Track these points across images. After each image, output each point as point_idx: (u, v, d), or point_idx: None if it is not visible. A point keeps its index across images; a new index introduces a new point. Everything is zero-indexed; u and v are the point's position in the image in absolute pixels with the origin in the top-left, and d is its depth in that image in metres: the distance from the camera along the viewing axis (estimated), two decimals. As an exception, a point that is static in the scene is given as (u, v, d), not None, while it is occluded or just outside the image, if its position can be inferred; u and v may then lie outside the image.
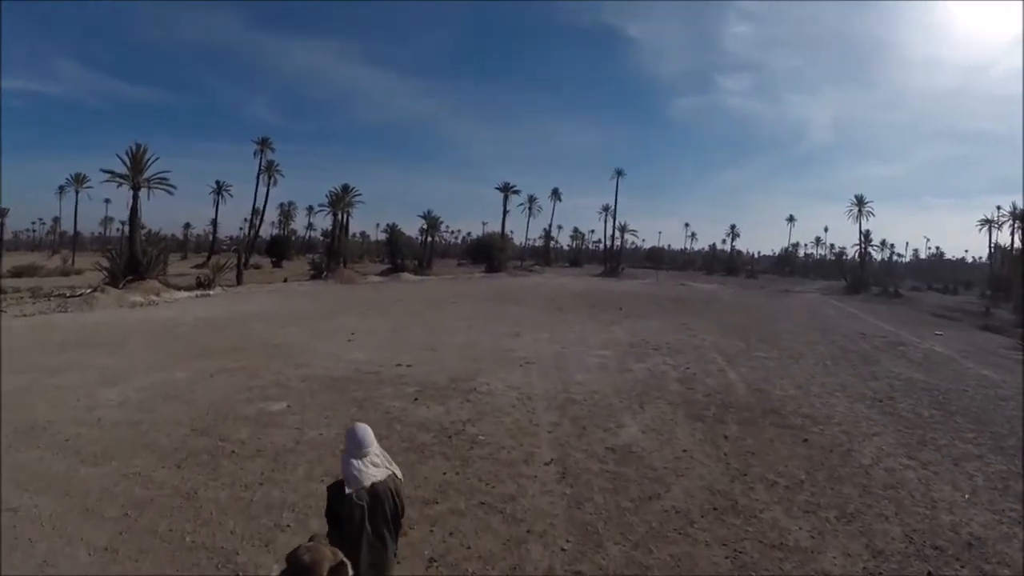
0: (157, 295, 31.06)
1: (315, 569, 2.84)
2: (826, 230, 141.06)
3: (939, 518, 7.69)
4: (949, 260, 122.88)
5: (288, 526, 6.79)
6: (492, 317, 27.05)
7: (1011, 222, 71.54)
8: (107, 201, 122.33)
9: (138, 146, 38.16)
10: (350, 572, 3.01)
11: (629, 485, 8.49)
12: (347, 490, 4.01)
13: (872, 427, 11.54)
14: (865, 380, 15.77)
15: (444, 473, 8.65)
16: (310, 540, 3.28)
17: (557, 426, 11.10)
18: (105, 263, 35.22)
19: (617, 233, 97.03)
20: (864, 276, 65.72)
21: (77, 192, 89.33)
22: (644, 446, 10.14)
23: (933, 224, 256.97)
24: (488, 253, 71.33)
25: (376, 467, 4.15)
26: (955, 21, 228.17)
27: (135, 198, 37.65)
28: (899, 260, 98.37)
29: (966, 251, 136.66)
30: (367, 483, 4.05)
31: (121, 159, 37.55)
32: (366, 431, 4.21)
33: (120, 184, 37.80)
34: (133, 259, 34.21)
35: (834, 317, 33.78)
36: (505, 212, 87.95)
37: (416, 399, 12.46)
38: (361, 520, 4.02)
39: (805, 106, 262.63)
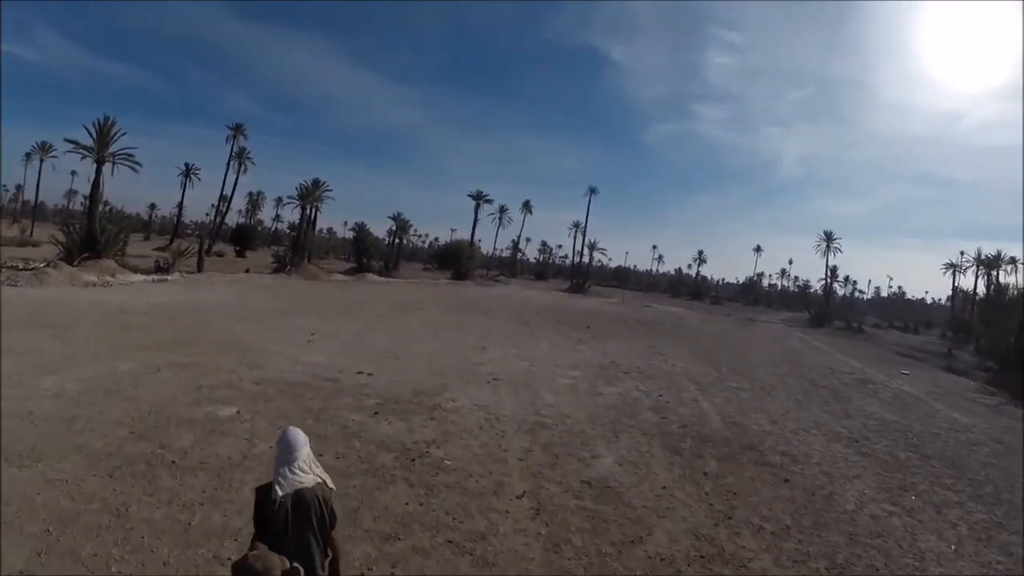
0: (112, 276, 29.67)
1: None
2: (790, 262, 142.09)
3: (928, 570, 7.51)
4: (910, 300, 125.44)
5: (228, 558, 5.92)
6: (459, 327, 26.26)
7: (975, 267, 74.17)
8: (73, 173, 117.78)
9: (106, 119, 36.87)
10: None
11: (609, 526, 7.85)
12: (273, 495, 3.88)
13: (851, 469, 11.26)
14: (839, 418, 15.45)
15: (407, 503, 7.86)
16: (251, 548, 3.20)
17: (528, 452, 10.44)
18: (61, 238, 33.65)
19: (586, 250, 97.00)
20: (828, 310, 66.75)
21: (41, 161, 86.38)
22: (622, 481, 9.52)
23: (895, 263, 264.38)
24: (456, 260, 70.30)
25: (304, 473, 4.01)
26: (930, 70, 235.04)
27: (98, 172, 36.36)
28: (860, 296, 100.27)
29: (926, 292, 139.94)
30: (292, 489, 3.91)
31: (88, 131, 36.20)
32: (297, 435, 4.07)
33: (84, 156, 36.48)
34: (91, 236, 32.72)
35: (801, 350, 33.67)
36: (476, 220, 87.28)
37: (377, 413, 11.66)
38: (285, 526, 3.88)
39: (778, 139, 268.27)
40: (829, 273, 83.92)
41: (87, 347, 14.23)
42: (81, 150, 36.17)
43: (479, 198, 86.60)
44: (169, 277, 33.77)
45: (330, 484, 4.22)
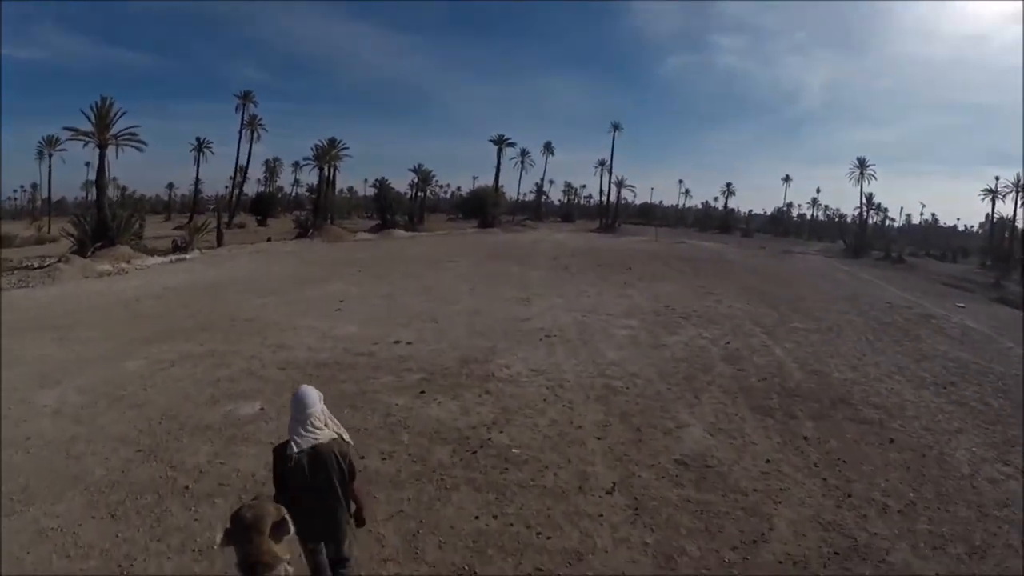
0: (127, 262, 28.12)
1: (257, 525, 2.81)
2: (818, 191, 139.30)
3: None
4: (942, 227, 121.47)
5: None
6: (496, 278, 24.51)
7: (1014, 193, 71.28)
8: (87, 164, 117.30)
9: (103, 100, 34.88)
10: (291, 528, 2.95)
11: (723, 522, 6.35)
12: (289, 452, 3.97)
13: (951, 422, 9.86)
14: (917, 360, 13.79)
15: (476, 517, 6.29)
16: (254, 499, 3.25)
17: (606, 428, 8.87)
18: (72, 229, 31.98)
19: (613, 188, 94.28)
20: (865, 239, 63.82)
21: (51, 156, 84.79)
22: (719, 456, 8.04)
23: (923, 191, 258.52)
24: (481, 207, 68.17)
25: (318, 429, 4.08)
26: None
27: (102, 157, 34.46)
28: (891, 224, 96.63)
29: (957, 219, 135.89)
30: (308, 445, 4.00)
31: (86, 115, 34.40)
32: (309, 393, 4.14)
33: (86, 143, 34.69)
34: (101, 224, 31.01)
35: (851, 283, 31.43)
36: (499, 165, 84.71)
37: (423, 392, 10.07)
38: (303, 483, 3.99)
39: (798, 69, 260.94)
40: (865, 201, 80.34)
41: (92, 347, 12.71)
42: (81, 136, 34.40)
43: (501, 142, 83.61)
44: (188, 256, 32.21)
45: (347, 438, 4.28)
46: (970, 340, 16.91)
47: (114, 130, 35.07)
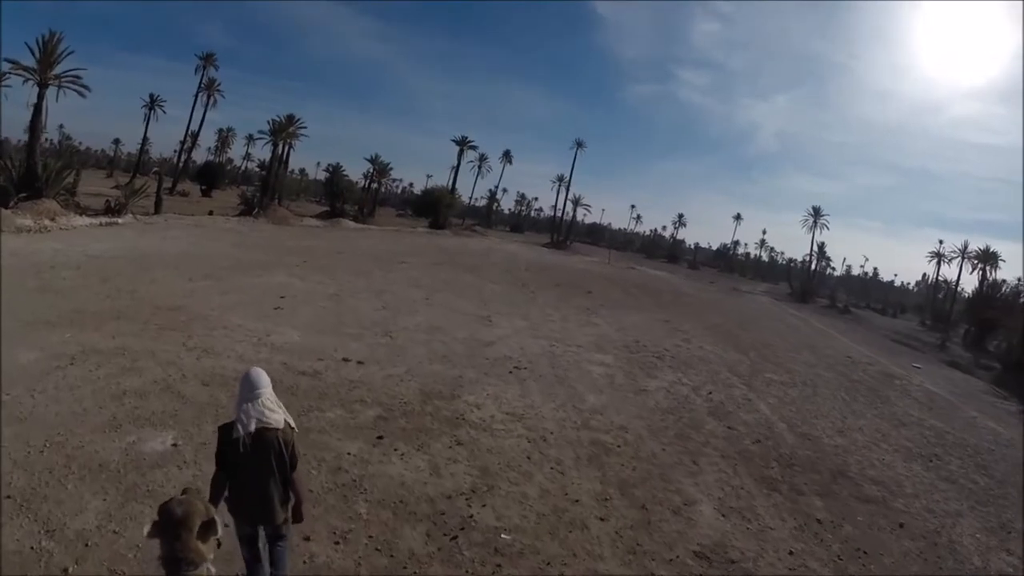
0: (52, 220, 25.09)
1: (186, 522, 2.82)
2: (764, 232, 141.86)
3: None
4: (880, 281, 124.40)
5: None
6: (452, 288, 22.65)
7: (960, 259, 72.81)
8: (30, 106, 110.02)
9: (51, 34, 31.64)
10: (219, 530, 2.95)
11: None
12: (235, 433, 3.95)
13: (947, 502, 9.41)
14: (896, 427, 13.30)
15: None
16: (183, 493, 3.17)
17: (606, 503, 7.35)
18: None
19: (569, 205, 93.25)
20: (811, 287, 65.06)
21: (-4, 91, 79.21)
22: (740, 547, 6.82)
23: (861, 244, 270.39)
24: (434, 208, 66.11)
25: (271, 411, 4.06)
26: (916, 60, 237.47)
27: (40, 97, 30.99)
28: (832, 273, 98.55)
29: (895, 275, 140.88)
30: (253, 428, 3.95)
31: (30, 49, 31.19)
32: (260, 375, 4.15)
33: (27, 80, 31.28)
34: (30, 172, 27.71)
35: (807, 331, 31.14)
36: (458, 167, 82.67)
37: (381, 437, 8.18)
38: (246, 465, 3.97)
39: (757, 112, 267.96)
40: (816, 249, 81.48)
41: None
42: (22, 71, 31.12)
43: (463, 144, 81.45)
44: (120, 220, 29.24)
45: (292, 425, 4.23)
46: (937, 406, 16.50)
47: (58, 70, 31.86)
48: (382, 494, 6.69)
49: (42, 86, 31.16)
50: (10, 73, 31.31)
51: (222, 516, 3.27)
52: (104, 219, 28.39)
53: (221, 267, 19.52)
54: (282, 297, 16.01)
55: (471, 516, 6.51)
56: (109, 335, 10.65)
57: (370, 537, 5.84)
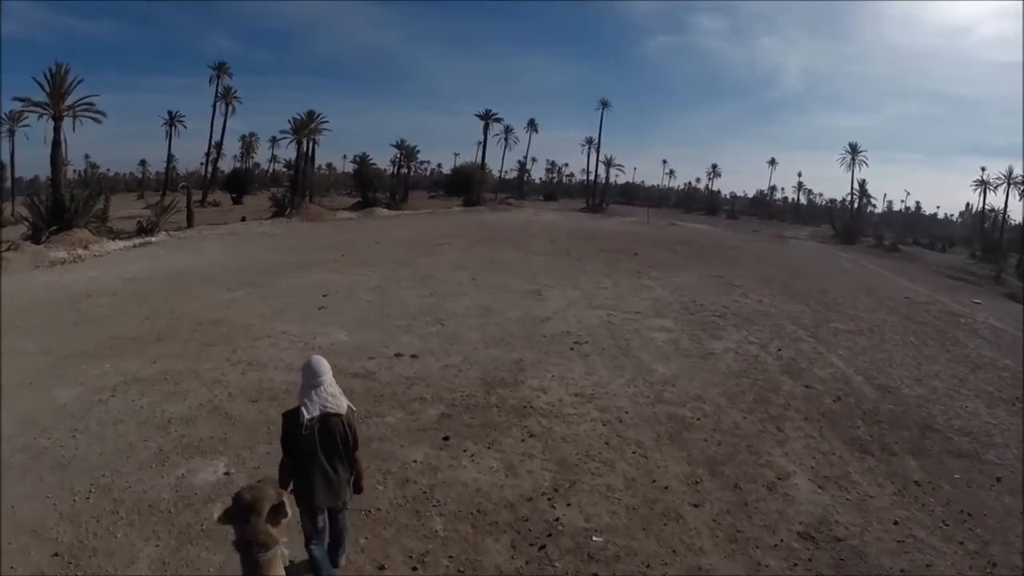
0: (85, 248, 24.71)
1: (255, 507, 2.89)
2: (800, 175, 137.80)
3: None
4: (923, 215, 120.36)
5: None
6: (497, 266, 21.92)
7: (1006, 185, 71.70)
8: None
9: (58, 66, 31.33)
10: (289, 512, 3.01)
11: None
12: (301, 419, 4.10)
13: None
14: (972, 370, 12.41)
15: None
16: (259, 481, 3.31)
17: (697, 487, 6.75)
18: (25, 212, 28.15)
19: (601, 167, 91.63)
20: (856, 226, 63.17)
21: (12, 132, 79.76)
22: (844, 521, 6.29)
23: (901, 178, 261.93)
24: (467, 185, 65.25)
25: (334, 396, 4.25)
26: None
27: (56, 130, 30.76)
28: (873, 211, 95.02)
29: (937, 207, 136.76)
30: (319, 413, 4.13)
31: (39, 84, 31.00)
32: (321, 362, 4.33)
33: (41, 115, 31.14)
34: (57, 205, 27.36)
35: (860, 274, 29.79)
36: (485, 141, 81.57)
37: (447, 438, 7.54)
38: (313, 450, 4.13)
39: (778, 52, 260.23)
40: (858, 188, 78.43)
41: (21, 365, 9.82)
42: (35, 107, 30.97)
43: (488, 117, 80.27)
44: (153, 239, 28.92)
45: (353, 407, 4.49)
46: (1006, 344, 15.62)
47: (70, 100, 31.66)
48: (457, 504, 6.06)
49: (57, 119, 30.96)
50: (24, 111, 31.22)
51: (291, 500, 3.29)
52: (137, 240, 28.12)
53: (259, 272, 19.05)
54: (324, 295, 15.46)
55: (556, 519, 5.86)
56: (150, 360, 10.15)
57: (450, 557, 5.22)
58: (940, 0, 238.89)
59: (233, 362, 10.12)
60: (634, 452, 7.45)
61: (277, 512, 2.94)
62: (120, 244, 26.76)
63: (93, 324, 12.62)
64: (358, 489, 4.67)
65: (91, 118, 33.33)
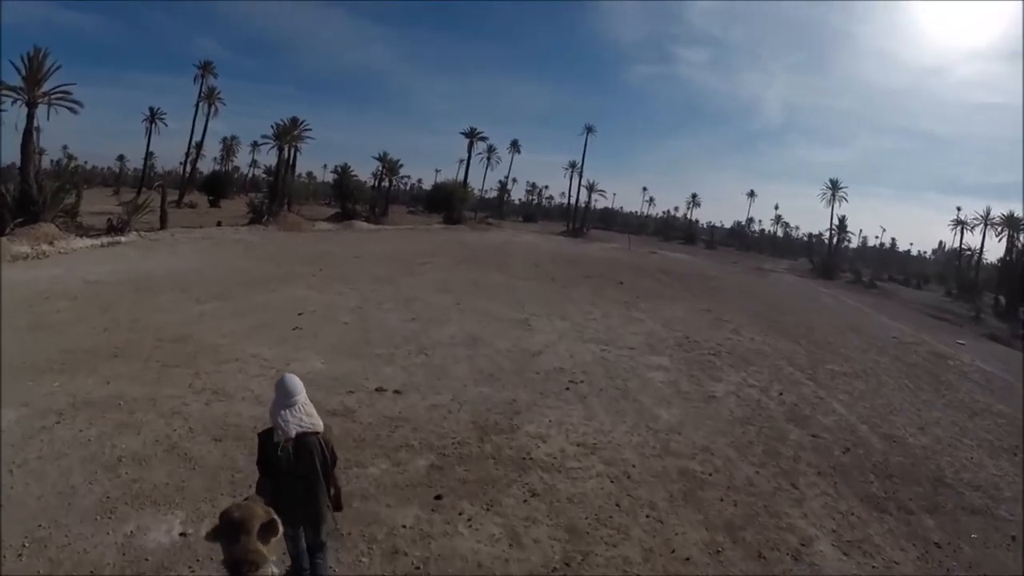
0: (50, 244, 23.40)
1: (245, 525, 2.81)
2: (776, 208, 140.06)
3: None
4: (897, 252, 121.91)
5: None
6: (481, 290, 21.07)
7: (982, 226, 72.08)
8: (37, 129, 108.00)
9: (36, 51, 30.14)
10: (280, 530, 2.94)
11: None
12: (276, 439, 4.01)
13: None
14: (970, 416, 12.41)
15: None
16: (245, 499, 3.38)
17: (719, 556, 6.09)
18: None
19: (583, 191, 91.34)
20: (834, 261, 64.70)
21: (-7, 119, 77.61)
22: None
23: (874, 211, 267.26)
24: (448, 202, 64.49)
25: (309, 416, 4.15)
26: (916, 22, 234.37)
27: (30, 117, 29.29)
28: (847, 245, 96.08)
29: (911, 244, 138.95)
30: (293, 433, 4.04)
31: (16, 67, 29.70)
32: (295, 381, 4.21)
33: (15, 100, 29.73)
34: (25, 196, 26.11)
35: (844, 311, 29.99)
36: (469, 159, 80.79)
37: (440, 496, 6.61)
38: (291, 469, 4.05)
39: (759, 84, 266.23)
40: (837, 223, 79.13)
41: None
42: (9, 92, 29.60)
43: (473, 135, 79.63)
44: (123, 238, 27.66)
45: (329, 425, 4.42)
46: (998, 388, 15.73)
47: (46, 87, 30.36)
48: (456, 591, 5.15)
49: (31, 105, 29.54)
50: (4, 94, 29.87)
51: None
52: (106, 239, 26.86)
53: (232, 283, 17.99)
54: (300, 314, 14.48)
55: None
56: (104, 380, 9.08)
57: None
58: (920, 32, 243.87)
59: (196, 389, 9.05)
60: (648, 515, 6.64)
61: (268, 530, 2.86)
62: (88, 242, 25.54)
63: (47, 331, 11.52)
64: (337, 506, 4.54)
65: (67, 107, 31.93)
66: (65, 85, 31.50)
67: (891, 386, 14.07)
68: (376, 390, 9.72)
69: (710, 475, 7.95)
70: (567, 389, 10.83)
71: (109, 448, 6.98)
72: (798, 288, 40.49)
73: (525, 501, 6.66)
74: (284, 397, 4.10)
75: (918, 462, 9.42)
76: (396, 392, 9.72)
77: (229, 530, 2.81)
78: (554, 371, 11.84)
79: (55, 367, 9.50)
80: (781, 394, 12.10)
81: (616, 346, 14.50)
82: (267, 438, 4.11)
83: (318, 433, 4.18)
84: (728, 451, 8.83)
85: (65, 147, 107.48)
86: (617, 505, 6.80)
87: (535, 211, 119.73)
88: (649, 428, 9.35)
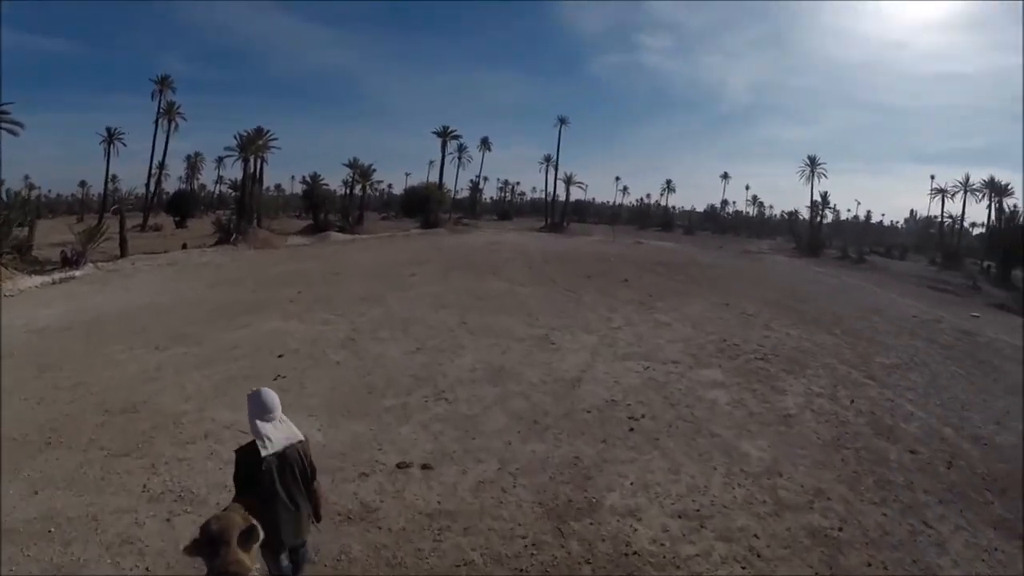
0: None
1: (224, 536, 2.83)
2: (747, 188, 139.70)
3: None
4: (872, 224, 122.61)
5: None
6: (484, 302, 18.75)
7: (962, 193, 74.28)
8: None
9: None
10: (260, 535, 2.96)
11: None
12: (263, 454, 3.79)
13: None
14: None
15: None
16: (224, 510, 3.32)
17: None
18: None
19: (560, 185, 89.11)
20: (820, 238, 64.09)
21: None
22: None
23: (845, 186, 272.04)
24: (424, 206, 62.01)
25: (290, 428, 3.97)
26: None
27: None
28: (823, 221, 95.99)
29: (883, 215, 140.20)
30: (282, 446, 3.85)
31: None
32: (272, 395, 4.00)
33: None
34: None
35: (854, 292, 28.59)
36: (443, 159, 78.20)
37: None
38: (272, 483, 3.86)
39: (723, 68, 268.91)
40: (820, 200, 78.39)
41: None
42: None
43: (446, 134, 77.10)
44: (78, 272, 24.87)
45: (305, 438, 4.12)
46: None
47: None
48: None
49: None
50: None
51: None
52: (59, 274, 24.06)
53: (197, 319, 15.44)
54: (280, 356, 12.09)
55: None
56: (31, 487, 6.61)
57: None
58: (878, 7, 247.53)
59: (153, 495, 6.50)
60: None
61: (248, 537, 2.88)
62: (38, 280, 22.84)
63: (-26, 406, 9.00)
64: (318, 517, 4.29)
65: (7, 129, 29.35)
66: (4, 104, 28.95)
67: (944, 375, 12.99)
68: (398, 467, 7.34)
69: (840, 530, 6.30)
70: (631, 430, 8.66)
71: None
72: (796, 270, 38.98)
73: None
74: (263, 411, 3.84)
75: (1017, 468, 8.28)
76: (425, 467, 7.33)
77: (208, 543, 2.83)
78: (606, 405, 9.67)
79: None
80: (852, 402, 10.65)
81: (658, 361, 12.40)
82: (247, 454, 3.82)
83: (302, 441, 3.99)
84: (840, 489, 7.27)
85: (27, 176, 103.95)
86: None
87: (509, 208, 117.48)
88: (746, 474, 7.43)
